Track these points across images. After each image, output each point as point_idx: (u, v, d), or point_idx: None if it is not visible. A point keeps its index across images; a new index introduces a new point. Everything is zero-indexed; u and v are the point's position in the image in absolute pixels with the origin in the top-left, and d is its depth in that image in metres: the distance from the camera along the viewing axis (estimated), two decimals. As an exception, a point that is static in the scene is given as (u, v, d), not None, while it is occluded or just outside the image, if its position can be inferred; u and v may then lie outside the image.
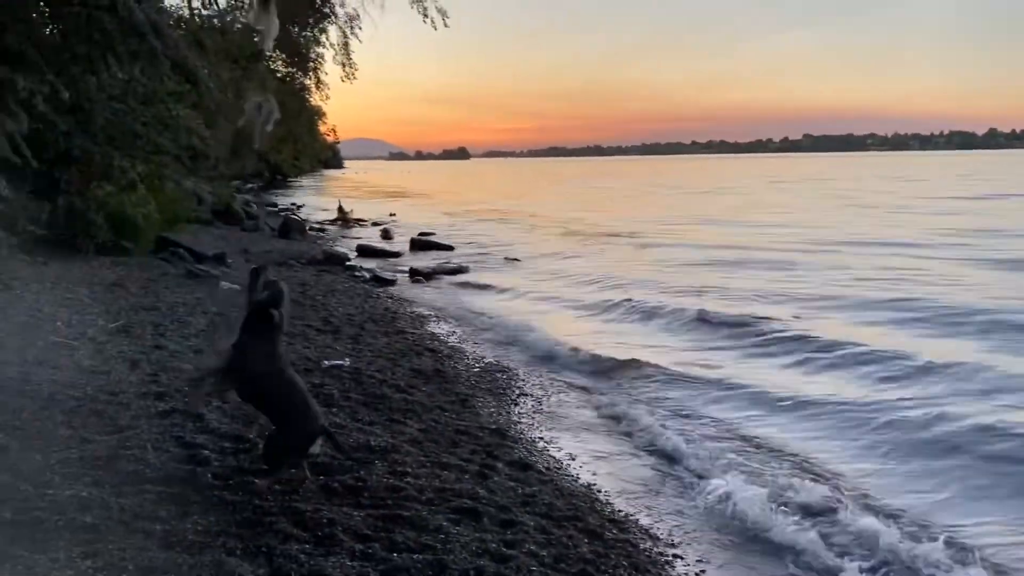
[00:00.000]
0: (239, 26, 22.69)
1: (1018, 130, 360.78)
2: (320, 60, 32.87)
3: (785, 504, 5.37)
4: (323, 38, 29.05)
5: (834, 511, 5.32)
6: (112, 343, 7.66)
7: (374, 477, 5.00)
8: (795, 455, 6.50)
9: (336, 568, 3.82)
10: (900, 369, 8.80)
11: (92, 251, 12.46)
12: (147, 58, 8.21)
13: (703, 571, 4.60)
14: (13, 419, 5.29)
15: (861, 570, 4.61)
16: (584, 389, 8.47)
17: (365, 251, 20.64)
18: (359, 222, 30.69)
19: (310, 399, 4.79)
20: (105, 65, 8.53)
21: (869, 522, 5.12)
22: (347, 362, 7.88)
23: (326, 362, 7.81)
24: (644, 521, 5.20)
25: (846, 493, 5.64)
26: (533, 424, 7.18)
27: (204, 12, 18.68)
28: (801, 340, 10.17)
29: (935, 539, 4.90)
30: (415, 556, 4.04)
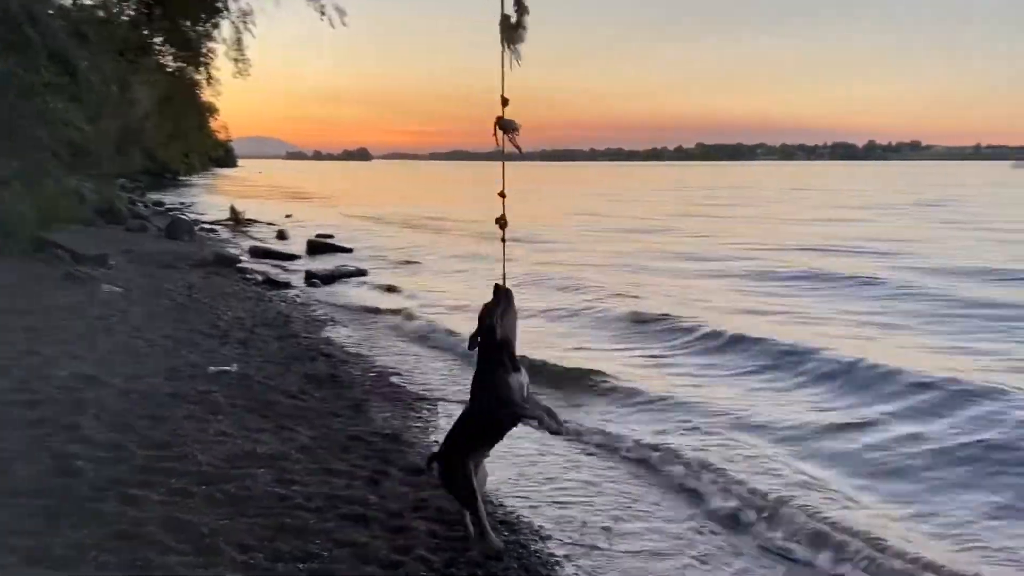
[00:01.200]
0: (126, 17, 21.79)
1: (894, 143, 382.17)
2: (212, 55, 31.86)
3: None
4: (215, 33, 28.17)
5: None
6: (-21, 349, 7.22)
7: (260, 485, 4.87)
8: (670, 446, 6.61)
9: (217, 580, 3.70)
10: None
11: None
12: (23, 48, 7.79)
13: (594, 571, 4.66)
14: None
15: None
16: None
17: (258, 253, 20.12)
18: (253, 223, 29.88)
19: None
20: (-22, 56, 8.06)
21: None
22: (235, 367, 7.65)
23: (212, 368, 7.56)
24: (537, 522, 5.23)
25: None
26: (428, 428, 7.14)
27: (87, 2, 17.87)
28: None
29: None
30: (300, 565, 3.96)
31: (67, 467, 4.75)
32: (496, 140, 4.34)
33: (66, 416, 5.63)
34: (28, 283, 10.77)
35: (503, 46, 4.15)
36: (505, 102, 4.26)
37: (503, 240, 4.46)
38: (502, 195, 4.42)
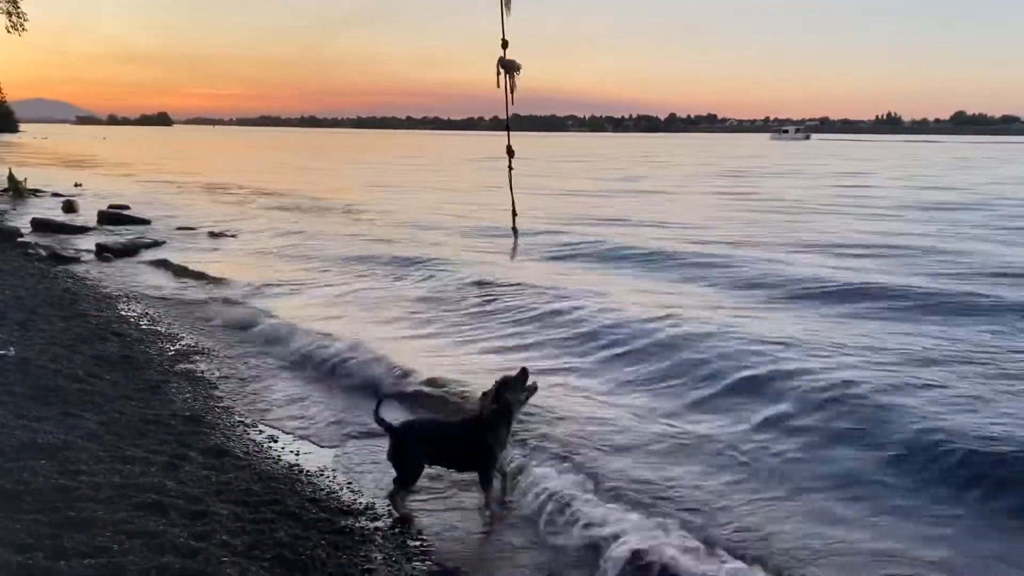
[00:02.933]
0: None
1: (693, 115, 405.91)
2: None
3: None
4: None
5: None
6: None
7: (40, 478, 4.49)
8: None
9: (-14, 586, 3.38)
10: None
11: None
12: None
13: (405, 542, 4.63)
14: None
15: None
16: (291, 365, 8.23)
17: (42, 226, 18.42)
18: (36, 193, 27.28)
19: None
20: None
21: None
22: (11, 351, 6.98)
23: (-15, 352, 6.86)
24: (346, 498, 5.14)
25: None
26: (233, 408, 6.86)
27: None
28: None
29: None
30: (86, 561, 3.69)
31: None
32: (498, 81, 4.91)
33: None
34: None
35: None
36: (505, 44, 4.75)
37: (510, 167, 5.30)
38: (507, 128, 5.23)
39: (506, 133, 6.17)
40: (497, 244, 15.99)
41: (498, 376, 5.17)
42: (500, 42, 4.83)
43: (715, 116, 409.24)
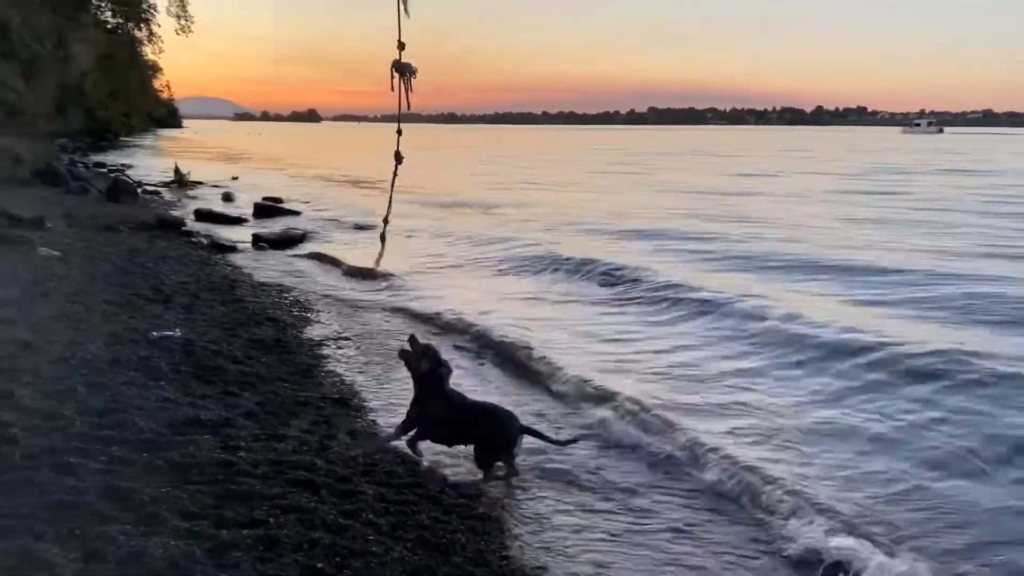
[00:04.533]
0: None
1: (841, 108, 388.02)
2: (153, 11, 30.87)
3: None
4: (155, -12, 27.28)
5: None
6: (-93, 315, 6.95)
7: (204, 452, 4.78)
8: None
9: (158, 547, 3.62)
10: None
11: None
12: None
13: (539, 530, 4.68)
14: None
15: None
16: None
17: (204, 216, 19.64)
18: (198, 185, 29.17)
19: (498, 408, 5.58)
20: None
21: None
22: (178, 333, 7.47)
23: (154, 333, 7.36)
24: (486, 485, 5.23)
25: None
26: (379, 392, 7.09)
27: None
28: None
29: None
30: (245, 532, 3.90)
31: (1, 435, 4.60)
32: (392, 84, 4.73)
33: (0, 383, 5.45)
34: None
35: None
36: (402, 46, 4.59)
37: (395, 174, 5.12)
38: (399, 132, 5.05)
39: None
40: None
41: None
42: (396, 43, 4.61)
43: (865, 109, 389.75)
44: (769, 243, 15.72)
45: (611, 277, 12.14)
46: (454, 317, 9.72)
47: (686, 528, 4.83)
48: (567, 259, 13.47)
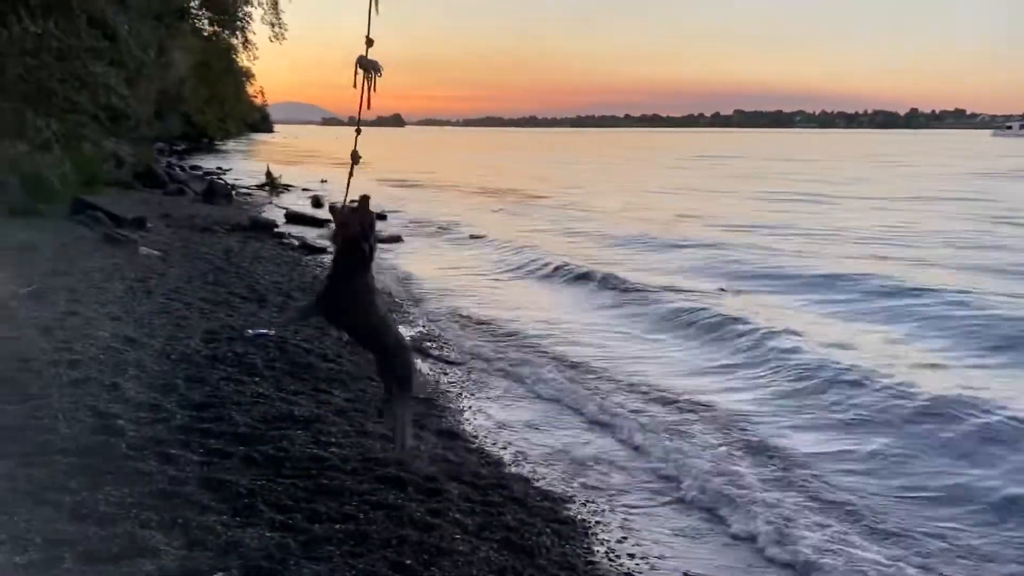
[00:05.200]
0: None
1: (937, 111, 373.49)
2: (248, 19, 31.93)
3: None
4: (252, -2, 28.25)
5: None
6: (24, 309, 7.34)
7: (297, 447, 4.92)
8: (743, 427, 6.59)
9: (255, 539, 3.74)
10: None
11: (4, 213, 11.89)
12: (61, 11, 7.82)
13: (624, 538, 4.65)
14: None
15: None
16: (517, 359, 8.45)
17: (294, 218, 20.17)
18: (289, 188, 29.98)
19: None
20: (16, 18, 8.09)
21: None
22: (272, 331, 7.70)
23: (250, 331, 7.62)
24: (570, 489, 5.23)
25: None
26: (463, 393, 7.17)
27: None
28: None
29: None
30: (336, 526, 3.99)
31: (108, 426, 4.82)
32: (355, 81, 4.58)
33: (107, 376, 5.71)
34: (68, 245, 10.91)
35: None
36: (370, 43, 4.46)
37: (351, 174, 4.89)
38: (357, 131, 4.89)
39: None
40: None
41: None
42: (365, 40, 4.43)
43: (963, 111, 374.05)
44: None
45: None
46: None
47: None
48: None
